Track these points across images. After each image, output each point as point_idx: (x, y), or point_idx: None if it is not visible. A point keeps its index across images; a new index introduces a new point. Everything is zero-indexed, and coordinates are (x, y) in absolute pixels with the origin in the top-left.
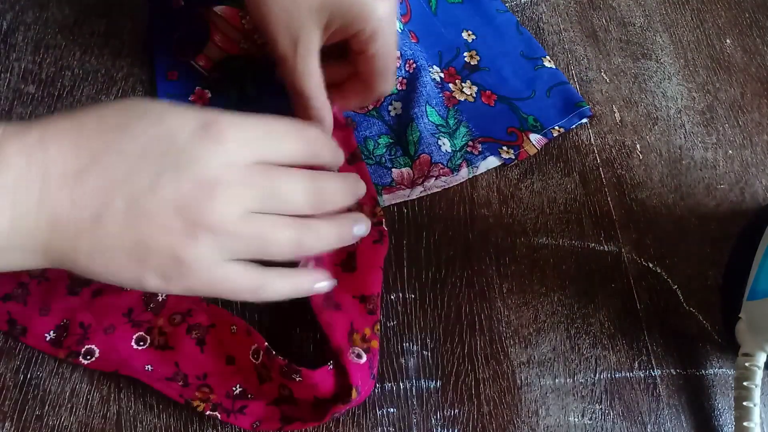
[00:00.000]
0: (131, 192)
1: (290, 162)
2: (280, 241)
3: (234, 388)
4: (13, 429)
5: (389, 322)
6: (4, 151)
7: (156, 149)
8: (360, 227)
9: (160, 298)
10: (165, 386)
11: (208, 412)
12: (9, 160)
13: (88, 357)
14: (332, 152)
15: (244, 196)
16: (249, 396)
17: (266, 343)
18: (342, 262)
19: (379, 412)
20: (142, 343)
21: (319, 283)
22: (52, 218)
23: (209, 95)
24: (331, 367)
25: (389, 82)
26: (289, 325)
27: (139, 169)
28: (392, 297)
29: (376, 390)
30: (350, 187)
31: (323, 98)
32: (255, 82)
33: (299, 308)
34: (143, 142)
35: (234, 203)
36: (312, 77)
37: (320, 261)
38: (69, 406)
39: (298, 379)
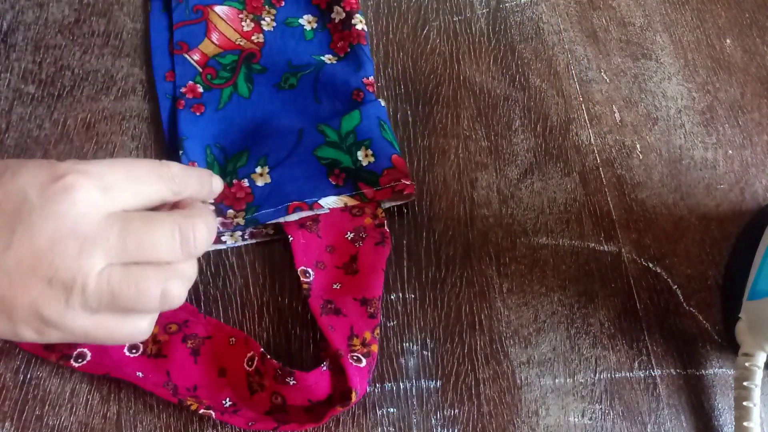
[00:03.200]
0: None
1: (154, 204)
2: (144, 298)
3: (224, 401)
4: (13, 429)
5: (389, 322)
6: None
7: (9, 206)
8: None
9: None
10: (157, 389)
11: (201, 411)
12: None
13: (80, 360)
14: (198, 186)
15: (102, 249)
16: (239, 410)
17: (261, 349)
18: (344, 264)
19: (379, 412)
20: (134, 351)
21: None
22: None
23: (201, 90)
24: (325, 368)
25: None
26: (289, 325)
27: None
28: (392, 297)
29: (376, 390)
30: (213, 227)
31: None
32: (248, 80)
33: (299, 308)
34: None
35: (88, 256)
36: None
37: (322, 267)
38: (69, 406)
39: (292, 382)
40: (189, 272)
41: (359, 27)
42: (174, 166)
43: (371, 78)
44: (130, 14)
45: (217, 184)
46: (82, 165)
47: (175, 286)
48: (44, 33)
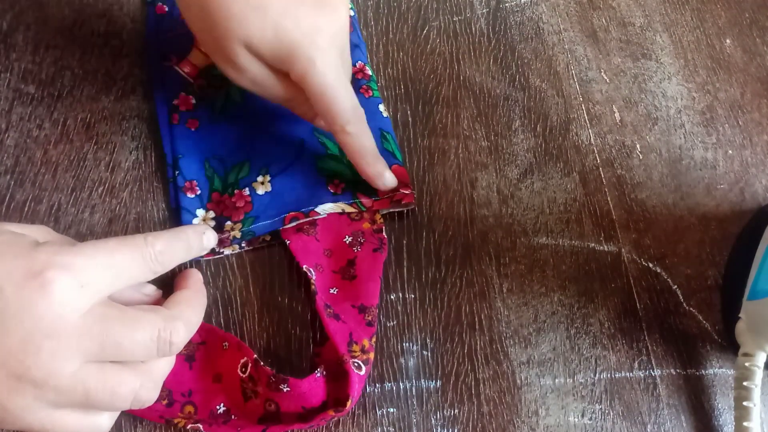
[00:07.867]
0: None
1: (134, 285)
2: (117, 401)
3: (218, 407)
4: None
5: (389, 322)
6: None
7: None
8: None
9: None
10: (144, 411)
11: (189, 426)
12: None
13: None
14: (184, 254)
15: (76, 349)
16: (233, 417)
17: (255, 356)
18: (341, 269)
19: (379, 412)
20: None
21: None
22: None
23: (193, 101)
24: (319, 374)
25: (338, 124)
26: (289, 326)
27: None
28: (392, 297)
29: (376, 390)
30: (195, 326)
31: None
32: (240, 88)
33: (299, 308)
34: None
35: (63, 358)
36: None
37: (320, 270)
38: None
39: (285, 389)
40: (163, 371)
41: None
42: (158, 243)
43: (361, 63)
44: (130, 14)
45: (209, 240)
46: (61, 257)
47: (148, 391)
48: (44, 33)
